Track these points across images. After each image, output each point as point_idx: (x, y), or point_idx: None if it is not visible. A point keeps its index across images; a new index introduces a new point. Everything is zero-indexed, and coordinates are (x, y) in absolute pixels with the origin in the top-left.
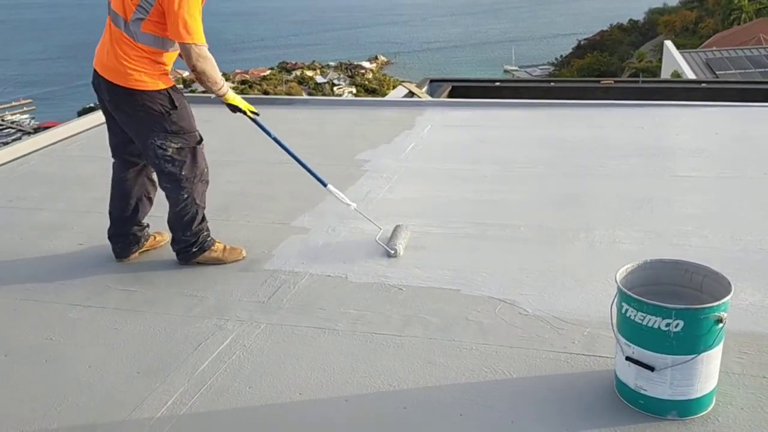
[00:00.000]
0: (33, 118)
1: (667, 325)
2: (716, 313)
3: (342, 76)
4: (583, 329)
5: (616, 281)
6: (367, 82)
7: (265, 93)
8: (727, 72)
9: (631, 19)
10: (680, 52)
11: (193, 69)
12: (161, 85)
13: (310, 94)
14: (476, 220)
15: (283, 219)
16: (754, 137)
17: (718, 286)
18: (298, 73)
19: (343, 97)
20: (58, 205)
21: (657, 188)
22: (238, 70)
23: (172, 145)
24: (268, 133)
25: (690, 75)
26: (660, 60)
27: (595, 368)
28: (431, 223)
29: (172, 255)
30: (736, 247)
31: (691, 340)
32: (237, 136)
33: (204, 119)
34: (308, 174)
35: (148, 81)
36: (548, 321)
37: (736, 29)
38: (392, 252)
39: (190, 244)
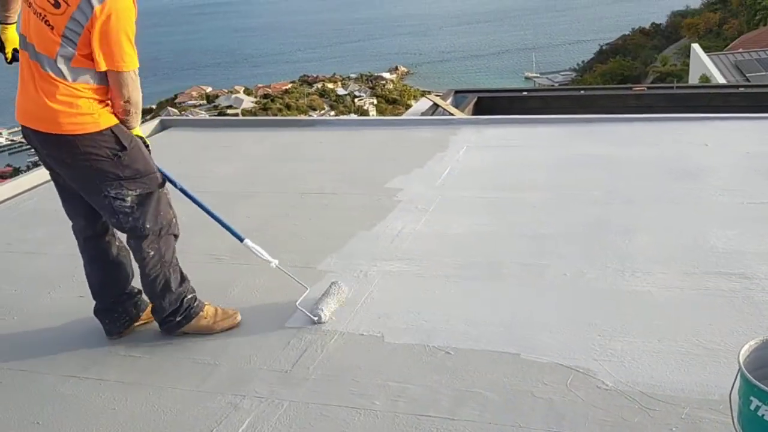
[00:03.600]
0: None
1: None
2: None
3: (363, 87)
4: (681, 410)
5: (739, 364)
6: (387, 93)
7: (287, 107)
8: (758, 74)
9: (653, 23)
10: (708, 55)
11: (126, 101)
12: (103, 125)
13: (331, 106)
14: (529, 261)
15: (307, 261)
16: None
17: None
18: (320, 86)
19: (369, 117)
20: (59, 248)
21: (734, 218)
22: (260, 84)
23: (130, 192)
24: (169, 179)
25: (719, 78)
26: (685, 63)
27: None
28: (477, 263)
29: None
30: None
31: None
32: (258, 162)
33: (223, 144)
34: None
35: (87, 122)
36: (634, 398)
37: (763, 30)
38: (315, 319)
39: (172, 313)
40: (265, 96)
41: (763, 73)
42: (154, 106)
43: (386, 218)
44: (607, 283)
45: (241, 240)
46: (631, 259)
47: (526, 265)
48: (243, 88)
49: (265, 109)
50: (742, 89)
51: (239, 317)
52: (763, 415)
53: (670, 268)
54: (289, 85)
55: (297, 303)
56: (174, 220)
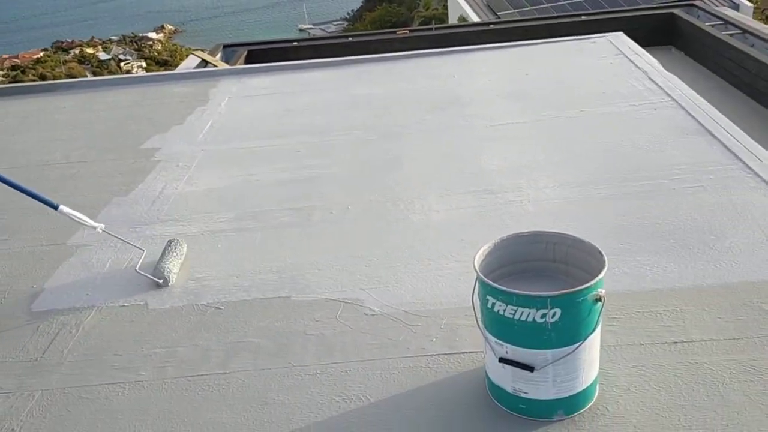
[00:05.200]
0: None
1: (543, 316)
2: (594, 292)
3: (128, 50)
4: (440, 321)
5: (475, 268)
6: (157, 54)
7: (42, 78)
8: (507, 12)
9: None
10: None
11: None
12: None
13: (94, 73)
14: (296, 205)
15: (55, 237)
16: (562, 74)
17: (586, 255)
18: (77, 51)
19: (117, 76)
20: None
21: (480, 140)
22: (5, 55)
23: None
24: None
25: (474, 18)
26: (445, 6)
27: (461, 369)
28: (244, 215)
29: None
30: (576, 194)
31: (571, 328)
32: None
33: None
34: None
35: None
36: (399, 318)
37: None
38: (160, 281)
39: None
40: (14, 68)
41: (511, 11)
42: None
43: (144, 181)
44: (370, 215)
45: (55, 207)
46: (392, 190)
47: (294, 209)
48: None
49: (15, 82)
50: (492, 26)
51: None
52: (498, 310)
53: (428, 194)
54: (41, 54)
55: (136, 268)
56: None
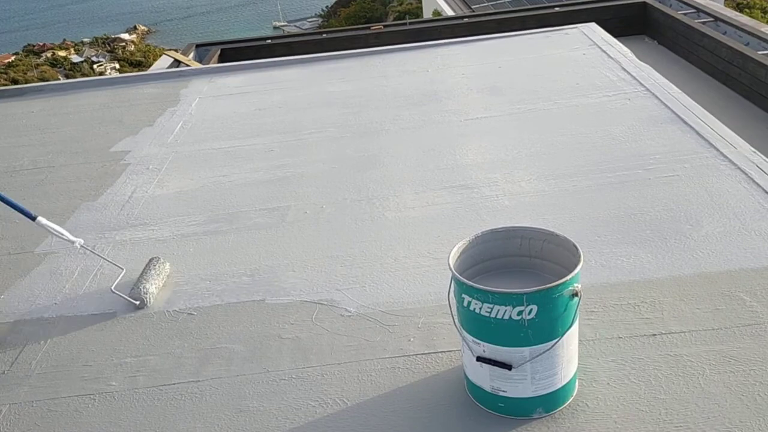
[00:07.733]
0: None
1: (519, 313)
2: (570, 287)
3: (101, 52)
4: (417, 320)
5: (450, 267)
6: (130, 55)
7: (14, 82)
8: (481, 5)
9: None
10: None
11: None
12: None
13: (67, 76)
14: (270, 206)
15: (22, 246)
16: (536, 66)
17: (562, 250)
18: (49, 54)
19: (85, 79)
20: None
21: (456, 135)
22: None
23: None
24: None
25: (449, 11)
26: (420, 1)
27: (440, 368)
28: (216, 217)
29: None
30: (551, 187)
31: (549, 324)
32: None
33: None
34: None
35: None
36: (376, 319)
37: None
38: (137, 303)
39: None
40: None
41: (485, 4)
42: None
43: (114, 185)
44: (345, 214)
45: (33, 218)
46: (367, 188)
47: (268, 210)
48: None
49: None
50: (466, 19)
51: None
52: (474, 309)
53: (403, 190)
54: (13, 58)
55: (112, 287)
56: None
